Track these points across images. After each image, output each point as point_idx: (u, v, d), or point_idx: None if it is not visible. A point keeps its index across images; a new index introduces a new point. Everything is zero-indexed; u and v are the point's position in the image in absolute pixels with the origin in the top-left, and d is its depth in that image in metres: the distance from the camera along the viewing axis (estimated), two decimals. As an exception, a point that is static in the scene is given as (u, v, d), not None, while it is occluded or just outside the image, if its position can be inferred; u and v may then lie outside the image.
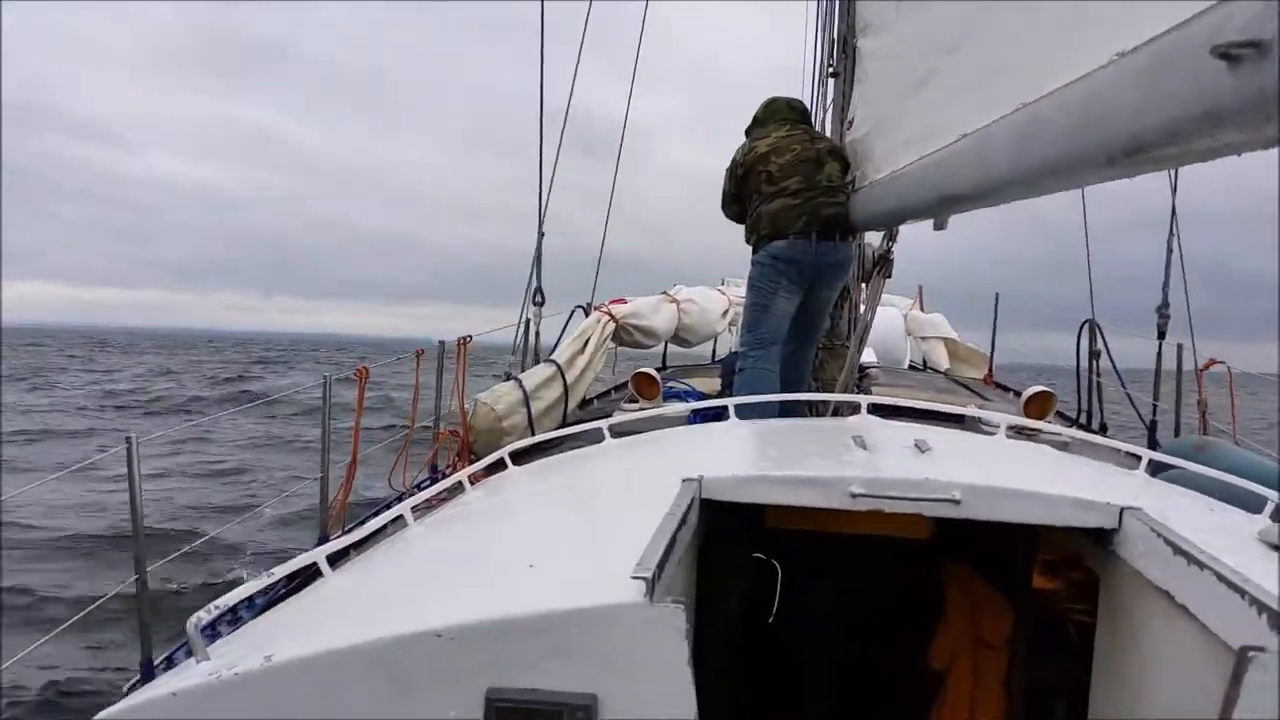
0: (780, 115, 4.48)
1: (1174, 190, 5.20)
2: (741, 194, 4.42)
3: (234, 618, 2.03)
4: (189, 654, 1.50)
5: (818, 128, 5.38)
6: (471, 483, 2.63)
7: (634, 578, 1.38)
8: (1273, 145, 1.15)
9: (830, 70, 4.86)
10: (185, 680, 1.38)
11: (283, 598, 2.08)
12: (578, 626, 1.34)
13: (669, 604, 1.34)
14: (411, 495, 2.56)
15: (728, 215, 4.59)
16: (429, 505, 2.49)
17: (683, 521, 1.74)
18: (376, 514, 2.56)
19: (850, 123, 4.43)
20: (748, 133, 4.55)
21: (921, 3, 3.47)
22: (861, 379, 5.41)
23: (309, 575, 1.93)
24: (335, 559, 1.96)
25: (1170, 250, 5.20)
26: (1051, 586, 2.64)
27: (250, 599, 1.88)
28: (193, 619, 1.48)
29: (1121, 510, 1.84)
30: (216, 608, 1.56)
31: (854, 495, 1.93)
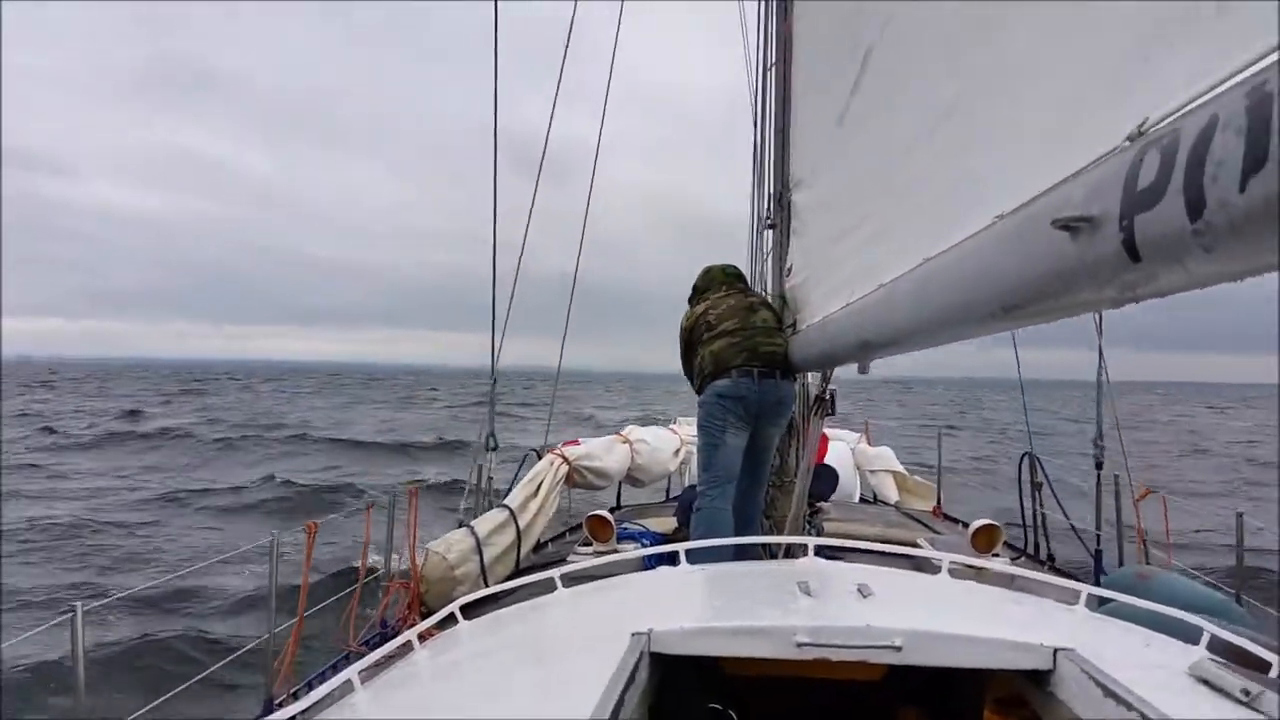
0: (718, 281, 4.92)
1: (1099, 331, 5.46)
2: (692, 351, 4.72)
3: None
4: None
5: (757, 272, 5.75)
6: (421, 640, 2.58)
7: None
8: (1120, 305, 1.28)
9: (768, 222, 5.17)
10: None
11: None
12: None
13: None
14: (359, 654, 2.52)
15: (686, 372, 4.88)
16: (377, 666, 2.44)
17: (630, 680, 1.74)
18: (323, 678, 2.50)
19: (789, 270, 4.69)
20: (690, 300, 4.95)
21: (844, 160, 3.75)
22: (814, 514, 5.46)
23: None
24: None
25: (1100, 389, 5.44)
26: None
27: None
28: None
29: (1055, 651, 1.88)
30: None
31: (799, 644, 1.96)
